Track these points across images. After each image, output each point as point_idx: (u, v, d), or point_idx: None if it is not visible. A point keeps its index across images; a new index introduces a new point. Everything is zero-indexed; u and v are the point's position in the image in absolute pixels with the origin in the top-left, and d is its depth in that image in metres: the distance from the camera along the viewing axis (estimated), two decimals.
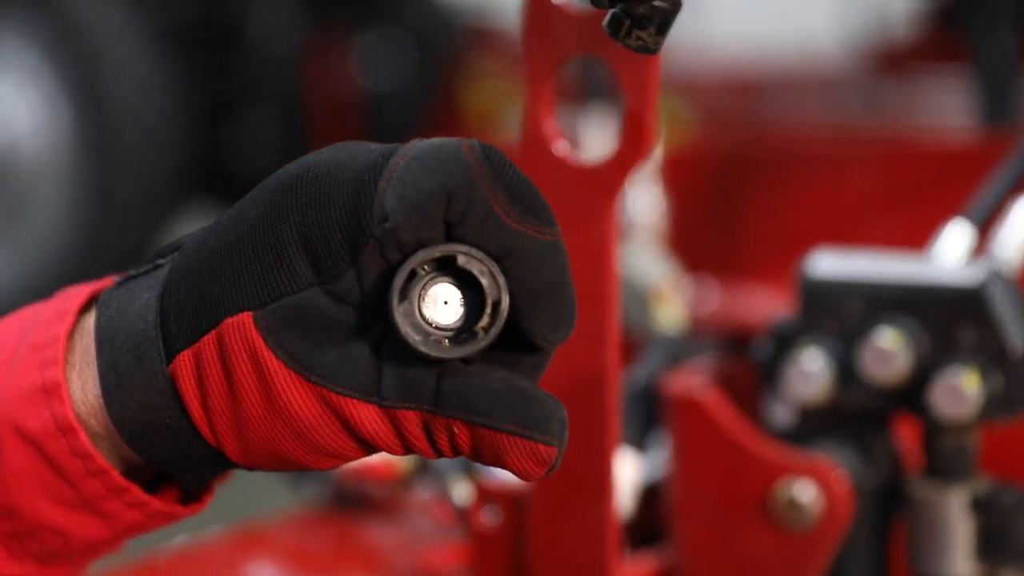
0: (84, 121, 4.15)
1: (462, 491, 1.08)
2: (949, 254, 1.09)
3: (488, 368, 0.71)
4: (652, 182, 1.51)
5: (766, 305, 1.45)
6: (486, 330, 0.69)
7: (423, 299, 0.70)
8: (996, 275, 1.03)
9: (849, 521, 1.04)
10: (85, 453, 0.75)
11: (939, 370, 1.01)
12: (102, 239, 3.95)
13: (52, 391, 0.75)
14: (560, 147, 0.94)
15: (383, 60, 4.37)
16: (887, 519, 1.07)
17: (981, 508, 1.03)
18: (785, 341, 1.06)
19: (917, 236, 1.21)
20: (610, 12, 0.74)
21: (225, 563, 1.17)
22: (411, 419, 0.71)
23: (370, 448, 0.72)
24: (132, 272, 0.76)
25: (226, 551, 1.19)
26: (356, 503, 1.23)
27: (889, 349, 1.02)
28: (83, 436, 0.75)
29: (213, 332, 0.72)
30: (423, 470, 1.16)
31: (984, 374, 1.00)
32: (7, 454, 0.76)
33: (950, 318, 1.02)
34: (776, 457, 1.04)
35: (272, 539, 1.22)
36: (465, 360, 0.71)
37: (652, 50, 0.75)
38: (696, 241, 1.33)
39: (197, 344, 0.72)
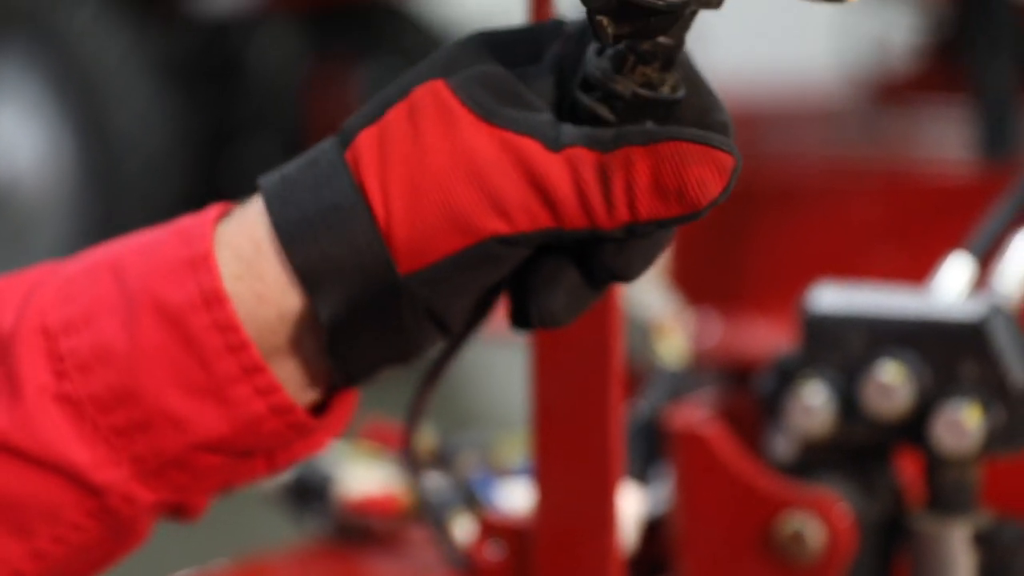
0: (86, 152, 4.16)
1: (464, 525, 1.08)
2: (950, 288, 1.09)
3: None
4: None
5: (768, 337, 1.45)
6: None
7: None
8: (997, 309, 1.03)
9: (851, 555, 1.04)
10: (228, 325, 0.74)
11: (941, 404, 1.01)
12: None
13: (199, 263, 0.74)
14: None
15: (382, 90, 4.38)
16: (889, 553, 1.07)
17: (983, 543, 1.03)
18: (787, 375, 1.07)
19: (918, 268, 1.21)
20: (614, 49, 0.75)
21: None
22: (587, 159, 0.72)
23: (543, 199, 0.73)
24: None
25: None
26: (358, 537, 1.23)
27: (891, 383, 1.02)
28: (229, 306, 0.74)
29: (403, 100, 0.74)
30: (424, 504, 1.16)
31: (986, 408, 1.01)
32: (141, 332, 0.74)
33: (952, 352, 1.02)
34: (778, 491, 1.05)
35: (274, 572, 1.22)
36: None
37: (656, 86, 0.75)
38: (697, 273, 1.33)
39: (383, 117, 0.74)
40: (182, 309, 0.74)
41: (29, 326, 0.76)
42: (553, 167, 0.72)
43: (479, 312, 0.81)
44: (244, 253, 0.75)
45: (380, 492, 1.18)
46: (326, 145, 0.76)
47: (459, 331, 0.81)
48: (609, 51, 0.75)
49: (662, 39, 0.74)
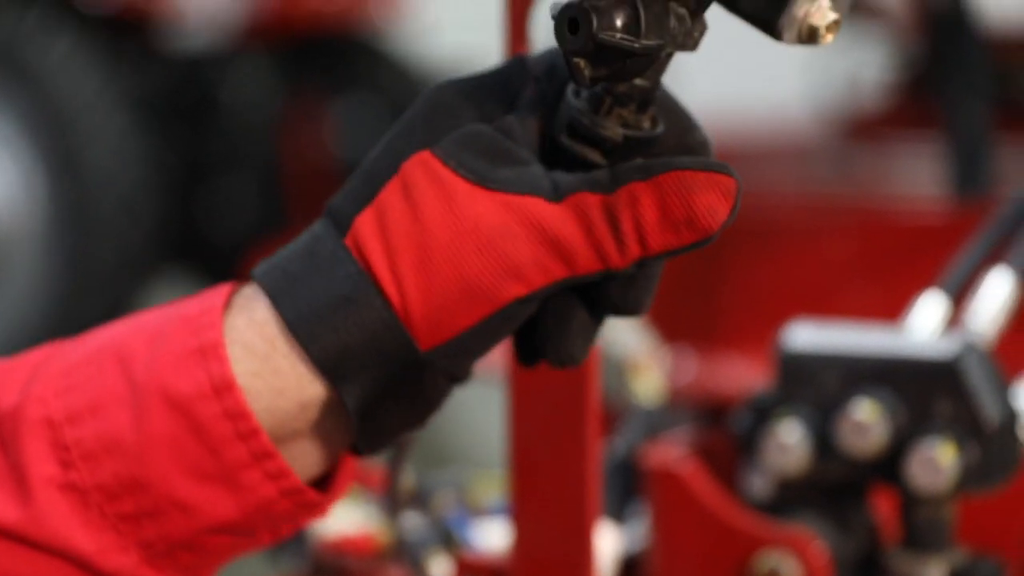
0: (59, 189, 4.15)
1: (441, 565, 1.08)
2: (924, 326, 1.10)
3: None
4: None
5: (742, 375, 1.46)
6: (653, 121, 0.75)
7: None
8: (971, 347, 1.04)
9: None
10: (238, 413, 0.74)
11: (915, 442, 1.02)
12: (76, 306, 3.94)
13: (209, 351, 0.74)
14: None
15: (358, 126, 4.39)
16: None
17: None
18: (763, 413, 1.07)
19: (891, 305, 1.22)
20: (591, 91, 0.75)
21: None
22: (592, 203, 0.73)
23: (556, 252, 0.73)
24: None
25: None
26: None
27: (866, 421, 1.03)
28: (239, 394, 0.74)
29: (394, 178, 0.74)
30: (401, 544, 1.16)
31: (960, 446, 1.01)
32: (149, 422, 0.74)
33: (926, 390, 1.02)
34: (755, 529, 1.05)
35: None
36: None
37: (632, 126, 0.76)
38: (672, 311, 1.34)
39: (376, 198, 0.74)
40: (191, 398, 0.74)
41: (33, 416, 0.76)
42: (561, 218, 0.73)
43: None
44: (258, 350, 0.75)
45: (357, 532, 1.18)
46: (319, 231, 0.76)
47: None
48: (585, 93, 0.76)
49: (638, 81, 0.75)
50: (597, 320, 0.78)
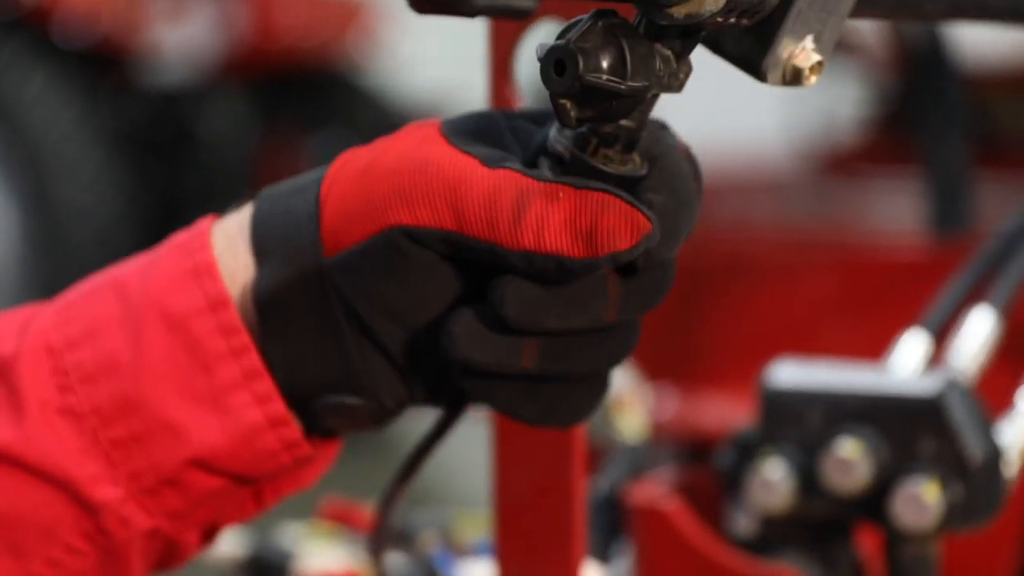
0: (33, 224, 4.14)
1: None
2: (907, 363, 1.10)
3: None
4: None
5: (725, 412, 1.46)
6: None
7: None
8: (954, 384, 1.04)
9: None
10: (232, 327, 0.76)
11: (899, 480, 1.02)
12: None
13: (203, 271, 0.77)
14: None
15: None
16: None
17: None
18: (747, 450, 1.07)
19: (872, 341, 1.22)
20: (576, 131, 0.76)
21: None
22: (514, 181, 0.74)
23: (452, 200, 0.75)
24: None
25: None
26: None
27: (849, 459, 1.03)
28: (233, 309, 0.76)
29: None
30: None
31: (944, 484, 1.01)
32: (146, 342, 0.76)
33: (909, 428, 1.03)
34: (739, 566, 1.05)
35: None
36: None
37: (618, 166, 0.76)
38: (654, 349, 1.34)
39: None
40: (188, 315, 0.76)
41: (31, 346, 0.78)
42: (477, 177, 0.74)
43: (459, 400, 0.82)
44: (230, 232, 0.78)
45: (340, 570, 1.18)
46: (313, 173, 0.80)
47: (440, 423, 0.83)
48: (571, 132, 0.76)
49: (624, 122, 0.75)
50: None
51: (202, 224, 0.80)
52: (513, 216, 0.73)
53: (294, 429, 0.78)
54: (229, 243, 0.78)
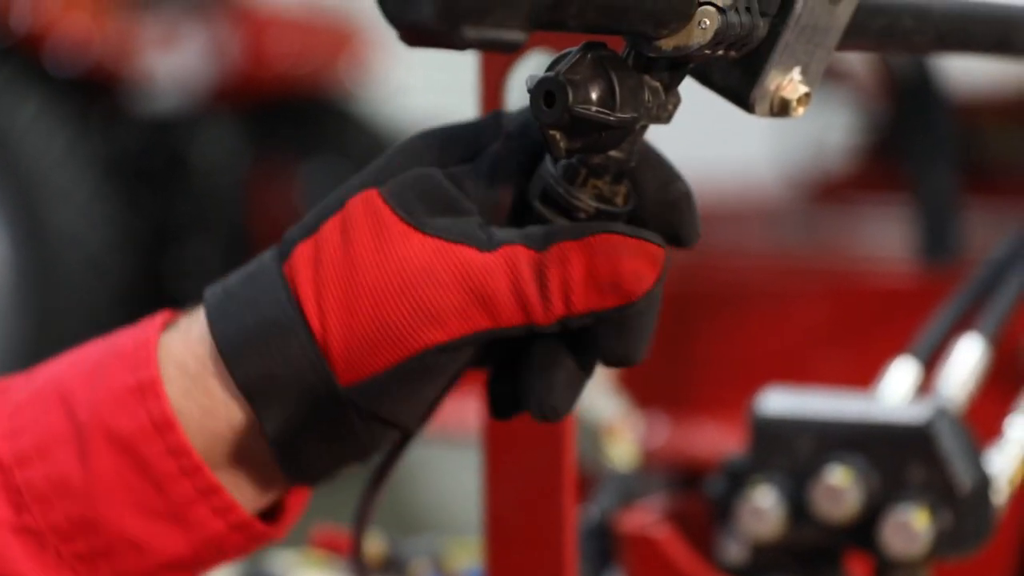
0: (25, 251, 4.13)
1: None
2: (896, 391, 1.11)
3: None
4: None
5: (716, 439, 1.46)
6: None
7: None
8: (943, 412, 1.04)
9: None
10: (181, 449, 0.74)
11: (889, 507, 1.02)
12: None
13: (147, 389, 0.75)
14: None
15: (325, 188, 4.39)
16: None
17: None
18: (737, 478, 1.07)
19: (861, 368, 1.23)
20: (566, 162, 0.76)
21: None
22: (522, 256, 0.73)
23: (479, 302, 0.73)
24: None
25: None
26: None
27: (839, 487, 1.03)
28: (180, 431, 0.74)
29: (338, 212, 0.74)
30: None
31: (933, 511, 1.02)
32: (95, 462, 0.75)
33: (899, 456, 1.03)
34: None
35: None
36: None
37: (607, 198, 0.77)
38: (645, 376, 1.34)
39: (319, 229, 0.74)
40: (134, 437, 0.75)
41: None
42: (488, 268, 0.73)
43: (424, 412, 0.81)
44: (190, 369, 0.76)
45: None
46: (266, 257, 0.77)
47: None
48: (561, 163, 0.76)
49: (613, 153, 0.75)
50: (585, 370, 0.77)
51: (148, 331, 0.77)
52: (539, 291, 0.73)
53: (259, 527, 0.77)
54: (194, 382, 0.75)
